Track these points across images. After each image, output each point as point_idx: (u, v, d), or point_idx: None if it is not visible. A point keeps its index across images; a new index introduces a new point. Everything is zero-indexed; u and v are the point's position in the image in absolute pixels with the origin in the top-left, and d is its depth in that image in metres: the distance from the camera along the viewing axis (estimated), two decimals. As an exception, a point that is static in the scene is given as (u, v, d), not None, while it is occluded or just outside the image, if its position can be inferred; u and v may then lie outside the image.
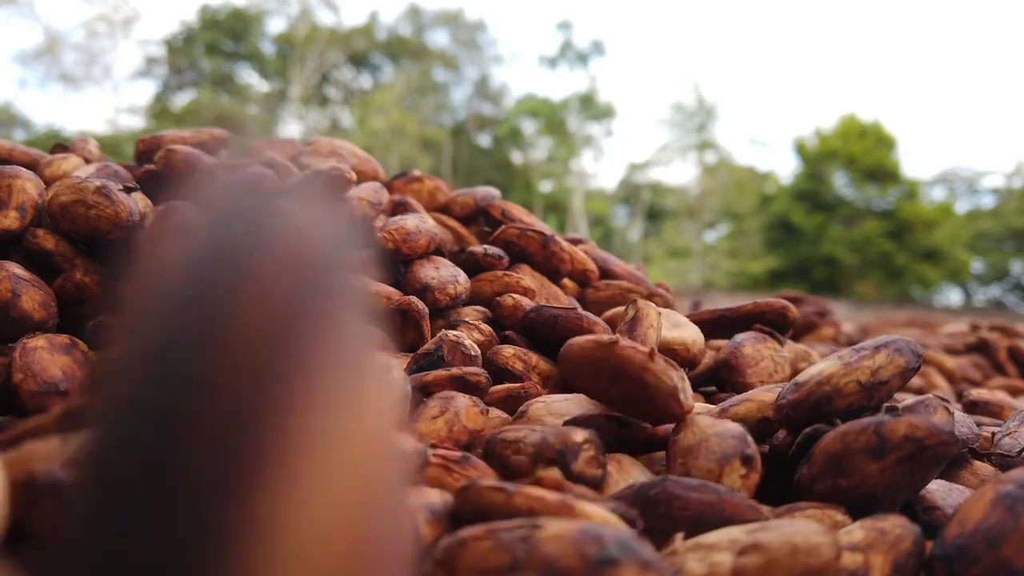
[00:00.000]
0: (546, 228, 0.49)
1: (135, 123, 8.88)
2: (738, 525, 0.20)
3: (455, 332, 0.36)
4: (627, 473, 0.26)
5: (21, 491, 0.16)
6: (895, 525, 0.22)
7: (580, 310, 0.39)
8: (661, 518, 0.21)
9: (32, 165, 0.43)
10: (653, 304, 0.35)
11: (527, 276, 0.44)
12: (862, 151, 7.66)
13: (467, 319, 0.39)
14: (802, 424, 0.28)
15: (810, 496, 0.25)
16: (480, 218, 0.52)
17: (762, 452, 0.27)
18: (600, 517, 0.19)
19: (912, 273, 7.27)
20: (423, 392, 0.30)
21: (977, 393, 0.45)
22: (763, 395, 0.31)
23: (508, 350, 0.37)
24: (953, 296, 7.91)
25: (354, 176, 0.44)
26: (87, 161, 0.47)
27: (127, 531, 0.09)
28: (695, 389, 0.41)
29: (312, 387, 0.10)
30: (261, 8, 9.62)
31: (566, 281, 0.48)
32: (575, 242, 0.53)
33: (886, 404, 0.28)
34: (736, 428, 0.25)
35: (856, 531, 0.21)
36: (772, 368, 0.40)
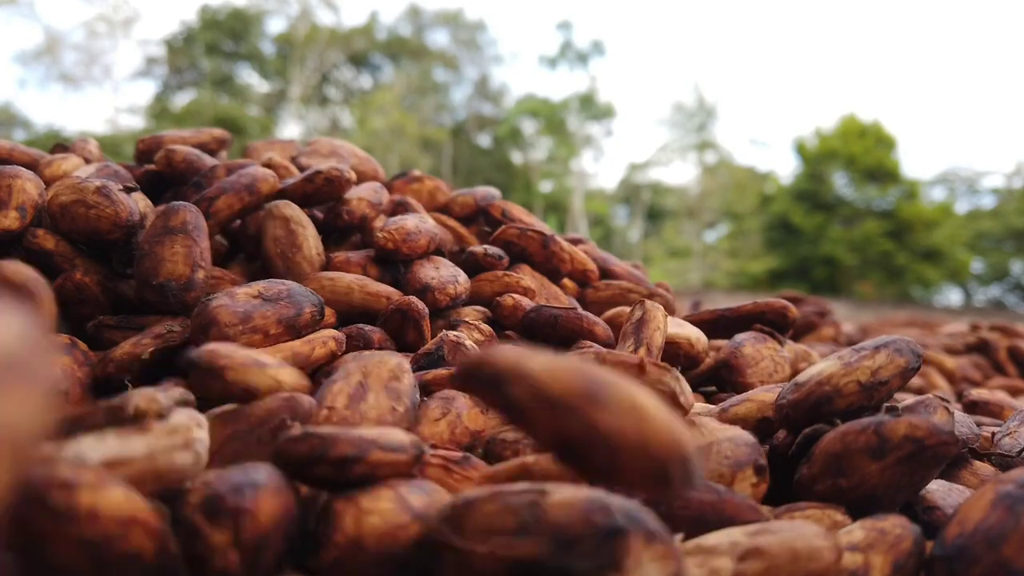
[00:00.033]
0: (546, 228, 0.49)
1: (135, 123, 8.88)
2: (738, 526, 0.20)
3: (455, 332, 0.36)
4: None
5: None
6: (895, 525, 0.22)
7: (580, 310, 0.39)
8: (661, 517, 0.21)
9: (32, 165, 0.43)
10: (660, 306, 0.35)
11: (527, 276, 0.44)
12: (862, 151, 7.66)
13: (467, 319, 0.39)
14: (802, 424, 0.28)
15: (810, 496, 0.25)
16: (480, 218, 0.52)
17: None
18: None
19: (912, 273, 7.27)
20: (423, 391, 0.30)
21: (977, 393, 0.45)
22: (763, 395, 0.31)
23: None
24: (953, 296, 7.92)
25: (354, 176, 0.44)
26: (87, 161, 0.47)
27: None
28: (695, 389, 0.41)
29: None
30: (261, 8, 9.62)
31: (566, 281, 0.48)
32: (575, 242, 0.53)
33: (886, 404, 0.28)
34: (748, 436, 0.25)
35: (856, 531, 0.21)
36: (772, 368, 0.40)
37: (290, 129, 9.82)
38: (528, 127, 10.06)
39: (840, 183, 7.93)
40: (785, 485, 0.27)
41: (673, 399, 0.26)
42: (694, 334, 0.39)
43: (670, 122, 10.76)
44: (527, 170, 9.85)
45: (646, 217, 10.55)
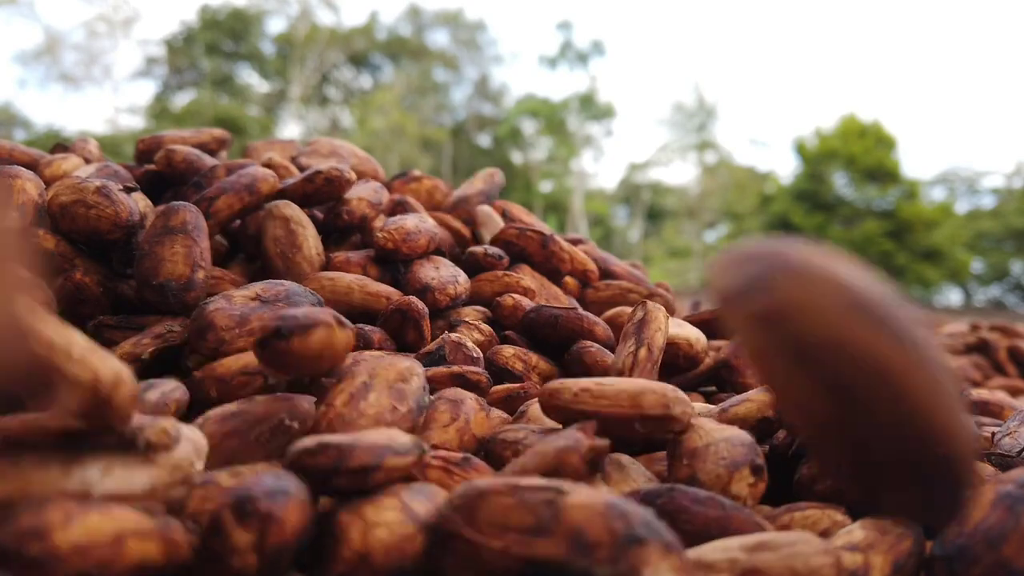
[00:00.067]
0: (546, 228, 0.49)
1: (135, 123, 8.89)
2: (737, 538, 0.20)
3: (456, 334, 0.36)
4: (627, 474, 0.25)
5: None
6: (895, 525, 0.22)
7: (580, 310, 0.39)
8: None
9: (32, 165, 0.43)
10: (662, 307, 0.35)
11: (527, 276, 0.44)
12: (862, 151, 7.66)
13: (467, 319, 0.39)
14: (802, 424, 0.28)
15: (810, 496, 0.25)
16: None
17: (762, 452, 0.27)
18: None
19: (912, 273, 7.27)
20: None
21: (977, 393, 0.45)
22: (763, 395, 0.31)
23: (508, 350, 0.37)
24: (953, 296, 7.92)
25: (354, 176, 0.44)
26: (87, 161, 0.47)
27: None
28: (695, 389, 0.41)
29: None
30: (261, 8, 9.63)
31: (568, 280, 0.48)
32: (575, 242, 0.53)
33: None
34: (745, 436, 0.25)
35: (856, 531, 0.21)
36: (772, 368, 0.40)
37: (290, 129, 9.82)
38: (528, 127, 10.06)
39: (840, 183, 7.93)
40: (785, 485, 0.27)
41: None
42: (694, 334, 0.39)
43: (670, 122, 10.76)
44: (527, 170, 9.85)
45: (646, 217, 10.56)
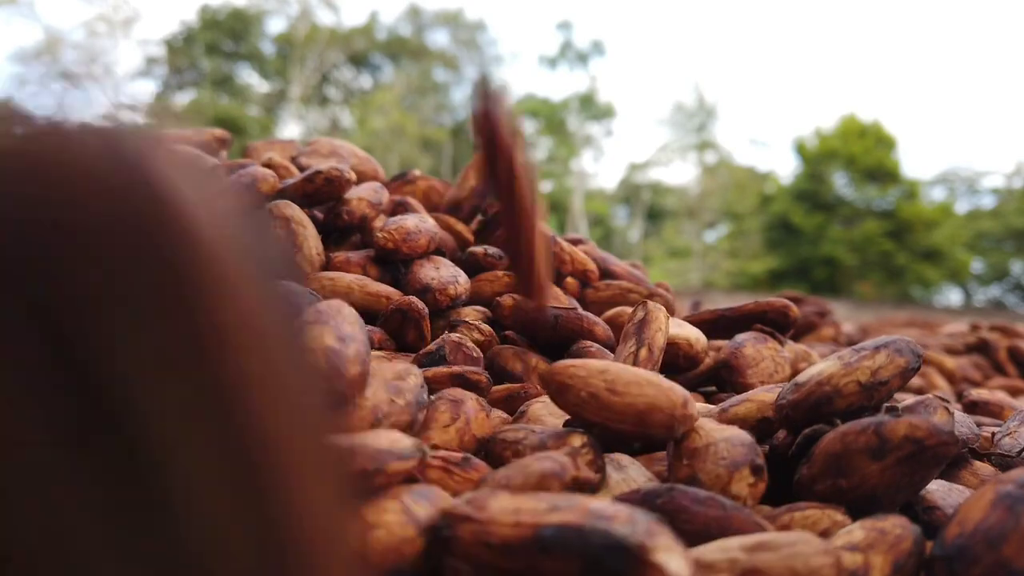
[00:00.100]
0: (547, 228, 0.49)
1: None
2: (737, 538, 0.20)
3: (457, 334, 0.36)
4: (626, 474, 0.25)
5: None
6: (895, 525, 0.22)
7: (580, 310, 0.39)
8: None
9: (32, 165, 0.43)
10: (663, 307, 0.35)
11: (527, 276, 0.44)
12: (862, 151, 7.66)
13: (467, 319, 0.39)
14: (802, 424, 0.28)
15: (810, 496, 0.25)
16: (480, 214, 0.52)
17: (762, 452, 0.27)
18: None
19: (912, 273, 7.27)
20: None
21: (977, 393, 0.46)
22: (763, 395, 0.31)
23: (508, 350, 0.37)
24: (953, 296, 7.91)
25: (354, 176, 0.44)
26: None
27: None
28: (695, 389, 0.41)
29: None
30: (261, 8, 9.62)
31: (568, 280, 0.48)
32: (575, 242, 0.53)
33: (886, 404, 0.28)
34: (745, 436, 0.25)
35: (856, 531, 0.21)
36: (772, 368, 0.40)
37: (290, 129, 9.82)
38: (528, 127, 10.06)
39: (840, 183, 7.93)
40: (785, 485, 0.27)
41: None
42: (693, 334, 0.39)
43: (670, 122, 10.76)
44: (527, 170, 9.83)
45: (646, 217, 10.55)
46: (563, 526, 0.17)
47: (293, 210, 0.41)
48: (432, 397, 0.29)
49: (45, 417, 0.10)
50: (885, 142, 7.88)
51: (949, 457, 0.24)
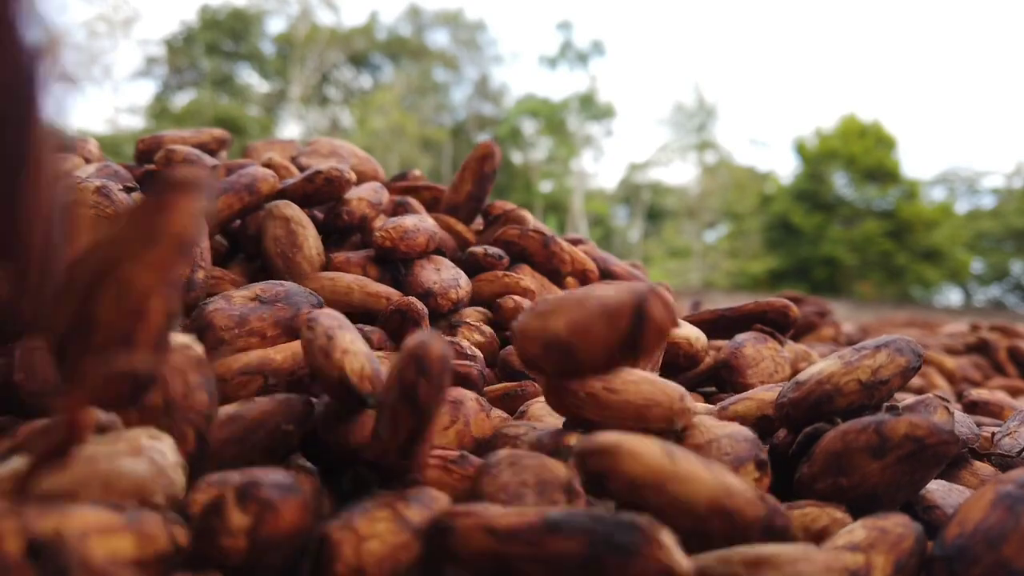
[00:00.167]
0: (546, 229, 0.49)
1: (135, 123, 8.88)
2: (740, 548, 0.19)
3: (455, 336, 0.36)
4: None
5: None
6: (896, 524, 0.22)
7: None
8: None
9: (32, 165, 0.43)
10: None
11: (527, 276, 0.44)
12: (862, 151, 7.66)
13: (468, 320, 0.39)
14: (803, 423, 0.28)
15: (810, 495, 0.25)
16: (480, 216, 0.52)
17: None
18: None
19: (912, 273, 7.27)
20: None
21: (977, 393, 0.46)
22: (763, 393, 0.31)
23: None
24: (953, 296, 7.92)
25: (354, 176, 0.44)
26: (87, 161, 0.47)
27: None
28: (695, 389, 0.41)
29: None
30: (261, 8, 9.62)
31: (568, 280, 0.48)
32: (575, 242, 0.53)
33: (886, 403, 0.28)
34: (747, 431, 0.25)
35: (858, 530, 0.21)
36: (772, 368, 0.40)
37: (290, 129, 9.82)
38: (528, 127, 10.07)
39: (840, 183, 7.93)
40: (786, 483, 0.27)
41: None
42: (693, 334, 0.39)
43: (670, 122, 10.76)
44: (527, 170, 9.85)
45: (646, 217, 10.56)
46: (572, 512, 0.18)
47: (293, 210, 0.41)
48: None
49: None
50: (885, 142, 7.88)
51: (949, 456, 0.24)
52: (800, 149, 8.16)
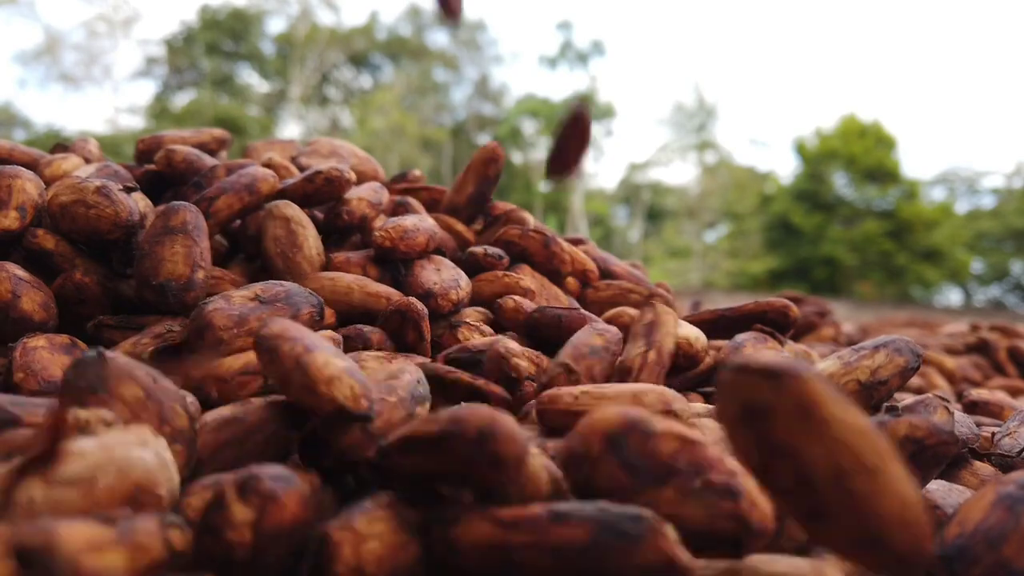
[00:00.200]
0: (547, 229, 0.49)
1: (135, 123, 8.88)
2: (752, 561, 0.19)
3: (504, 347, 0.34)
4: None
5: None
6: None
7: (582, 310, 0.39)
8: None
9: (32, 165, 0.43)
10: (672, 311, 0.35)
11: (527, 276, 0.44)
12: (862, 151, 7.66)
13: (468, 320, 0.39)
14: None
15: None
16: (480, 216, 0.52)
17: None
18: None
19: (912, 273, 7.27)
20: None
21: (977, 393, 0.46)
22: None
23: (516, 348, 0.37)
24: (953, 296, 7.92)
25: (354, 176, 0.44)
26: (87, 161, 0.47)
27: None
28: (694, 389, 0.41)
29: None
30: (261, 8, 9.62)
31: (568, 280, 0.48)
32: (575, 242, 0.53)
33: (886, 404, 0.28)
34: None
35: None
36: (772, 368, 0.40)
37: (290, 129, 9.82)
38: (528, 127, 10.06)
39: (840, 183, 7.93)
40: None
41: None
42: (693, 333, 0.39)
43: (670, 122, 10.76)
44: (527, 170, 9.84)
45: (646, 217, 10.56)
46: (577, 503, 0.18)
47: (293, 210, 0.41)
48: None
49: None
50: (885, 142, 7.88)
51: (949, 457, 0.24)
52: (800, 149, 8.16)
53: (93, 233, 0.35)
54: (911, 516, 0.16)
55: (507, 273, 0.43)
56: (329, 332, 0.33)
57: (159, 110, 8.84)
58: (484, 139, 10.29)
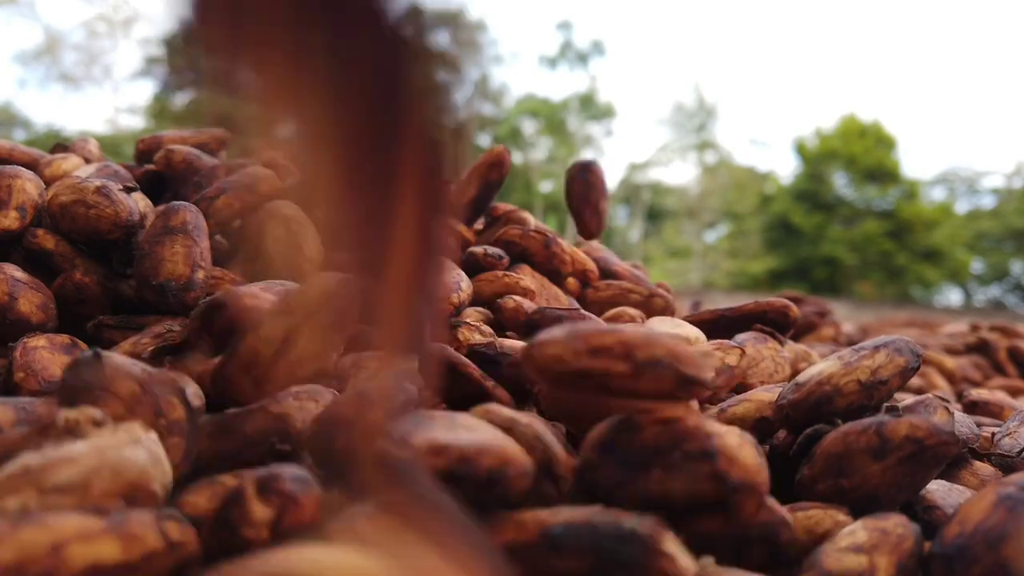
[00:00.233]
0: (547, 229, 0.49)
1: (135, 123, 8.87)
2: None
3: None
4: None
5: None
6: (897, 525, 0.22)
7: (583, 311, 0.39)
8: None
9: (32, 165, 0.43)
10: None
11: (527, 277, 0.44)
12: (862, 151, 7.67)
13: (468, 320, 0.39)
14: (803, 424, 0.28)
15: (811, 496, 0.25)
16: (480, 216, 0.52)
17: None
18: None
19: (912, 273, 7.27)
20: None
21: (977, 393, 0.46)
22: (761, 395, 0.31)
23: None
24: (953, 296, 7.92)
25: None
26: (87, 161, 0.47)
27: None
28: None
29: None
30: (261, 8, 9.61)
31: (569, 280, 0.48)
32: (576, 243, 0.53)
33: (886, 404, 0.28)
34: (746, 435, 0.25)
35: (859, 532, 0.21)
36: (772, 369, 0.40)
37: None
38: (528, 127, 10.07)
39: (840, 183, 7.94)
40: (786, 485, 0.27)
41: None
42: (693, 334, 0.39)
43: (670, 122, 10.76)
44: (527, 170, 9.85)
45: (646, 217, 10.56)
46: (570, 524, 0.17)
47: (293, 210, 0.41)
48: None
49: None
50: (885, 142, 7.89)
51: (949, 457, 0.24)
52: (800, 149, 8.16)
53: (93, 233, 0.35)
54: None
55: (507, 273, 0.43)
56: (329, 332, 0.33)
57: (159, 110, 8.83)
58: (484, 139, 10.30)
